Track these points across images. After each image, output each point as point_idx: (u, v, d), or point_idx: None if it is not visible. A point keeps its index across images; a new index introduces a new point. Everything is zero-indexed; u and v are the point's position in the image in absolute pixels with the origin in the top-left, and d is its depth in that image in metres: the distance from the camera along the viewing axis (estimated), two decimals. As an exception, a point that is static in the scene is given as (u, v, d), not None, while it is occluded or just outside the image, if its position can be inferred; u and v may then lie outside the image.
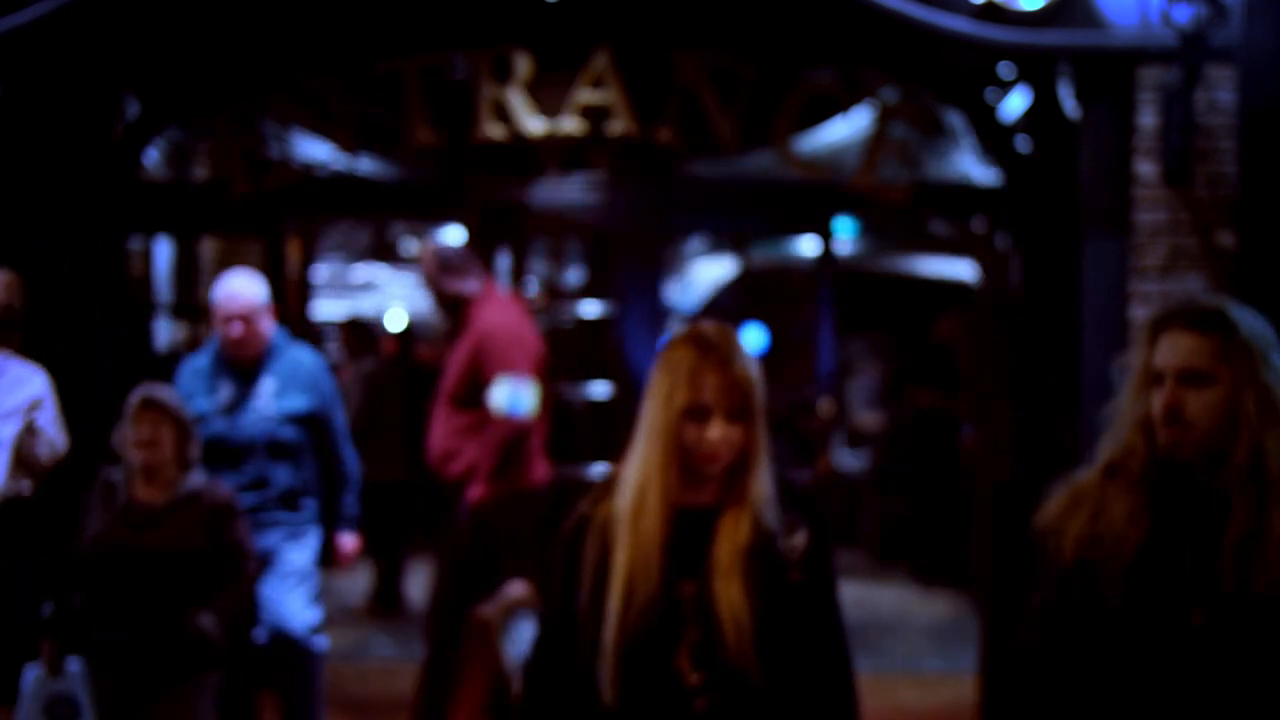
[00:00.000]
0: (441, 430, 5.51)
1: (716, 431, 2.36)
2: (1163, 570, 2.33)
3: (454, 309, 5.61)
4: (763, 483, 2.40)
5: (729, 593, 2.34)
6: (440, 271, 5.59)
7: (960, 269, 9.94)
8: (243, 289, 5.10)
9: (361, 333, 9.18)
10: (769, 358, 11.21)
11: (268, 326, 5.14)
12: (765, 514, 2.40)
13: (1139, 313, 5.13)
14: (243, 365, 5.12)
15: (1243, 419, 2.31)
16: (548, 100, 6.36)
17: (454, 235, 11.47)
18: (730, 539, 2.38)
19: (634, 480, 2.39)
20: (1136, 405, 2.41)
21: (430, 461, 5.58)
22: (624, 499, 2.41)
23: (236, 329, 5.03)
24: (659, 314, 6.93)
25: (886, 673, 6.89)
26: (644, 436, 2.41)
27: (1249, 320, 2.39)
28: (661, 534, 2.37)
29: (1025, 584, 2.59)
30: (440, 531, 5.74)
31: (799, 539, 2.43)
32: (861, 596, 8.23)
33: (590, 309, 7.46)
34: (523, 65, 6.31)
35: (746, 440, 2.40)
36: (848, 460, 10.14)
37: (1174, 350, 2.36)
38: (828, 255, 9.72)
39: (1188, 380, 2.35)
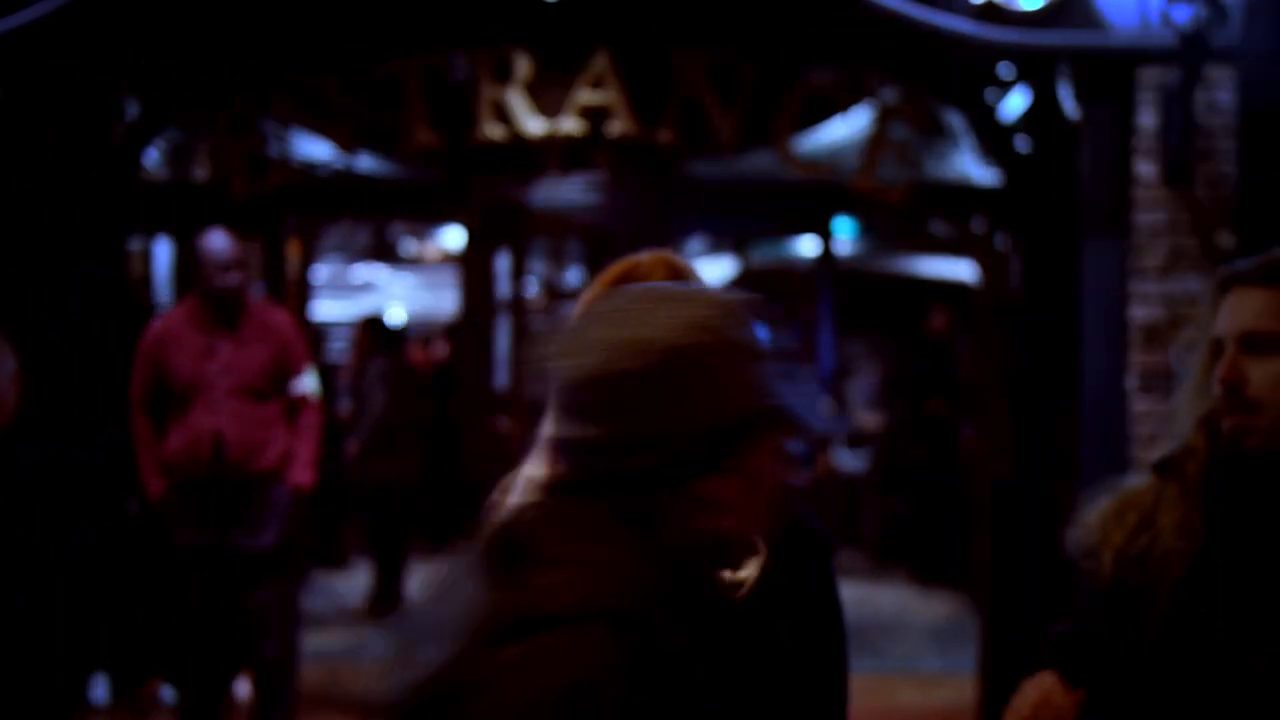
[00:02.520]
0: (239, 424, 5.19)
1: None
2: (1214, 599, 1.82)
3: (235, 300, 5.29)
4: None
5: None
6: (239, 261, 5.33)
7: (960, 269, 9.94)
8: None
9: (378, 332, 9.14)
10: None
11: None
12: None
13: (1139, 313, 5.13)
14: None
15: None
16: (548, 100, 6.36)
17: (454, 236, 11.48)
18: None
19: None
20: (1200, 393, 1.91)
21: (227, 457, 5.16)
22: None
23: None
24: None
25: (886, 673, 6.89)
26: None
27: None
28: None
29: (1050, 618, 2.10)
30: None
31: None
32: (861, 596, 8.22)
33: (590, 309, 7.45)
34: (523, 65, 6.31)
35: None
36: (848, 460, 10.14)
37: (1237, 310, 1.85)
38: (828, 255, 9.72)
39: (1252, 346, 1.83)
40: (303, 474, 5.21)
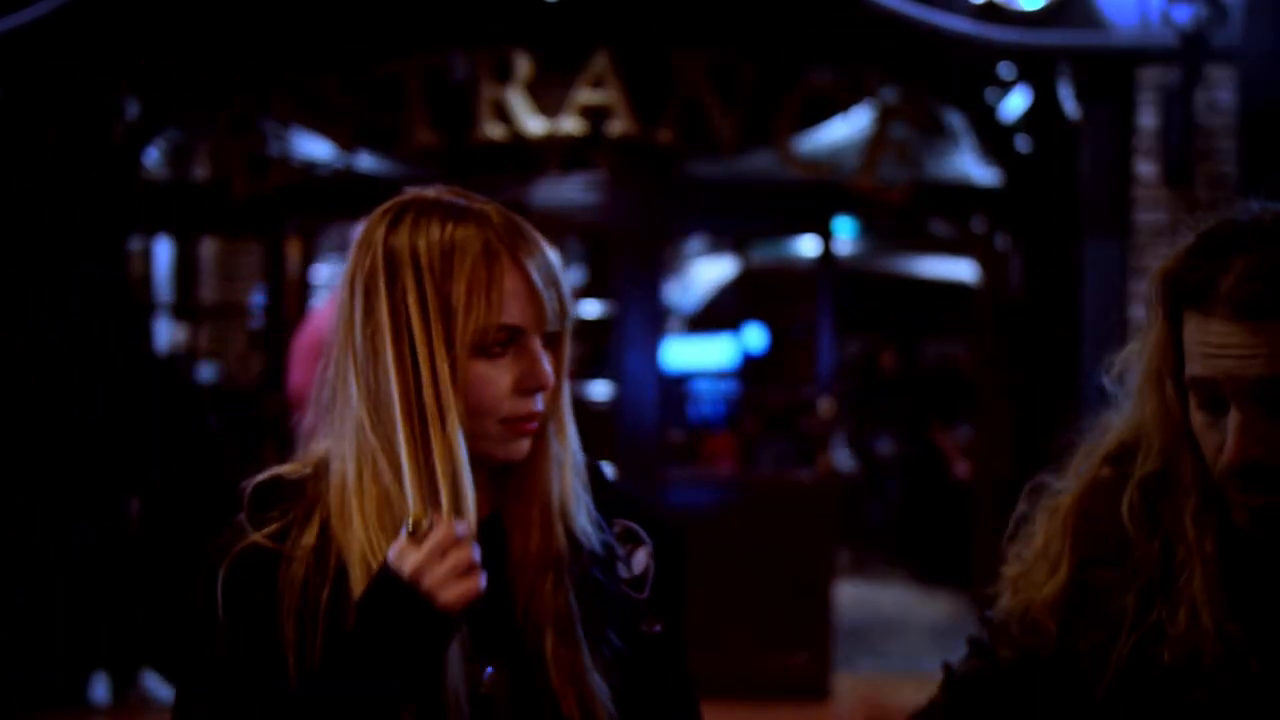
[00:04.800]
0: None
1: (545, 369, 1.35)
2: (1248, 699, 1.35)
3: None
4: (572, 457, 1.40)
5: (578, 679, 1.33)
6: None
7: (960, 269, 9.94)
8: None
9: None
10: (769, 358, 11.22)
11: None
12: (578, 518, 1.39)
13: (1139, 313, 5.13)
14: None
15: None
16: (548, 100, 6.36)
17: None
18: (542, 577, 1.35)
19: (375, 487, 1.31)
20: (1164, 405, 1.42)
21: None
22: (355, 524, 1.30)
23: None
24: (659, 314, 6.93)
25: (886, 673, 6.88)
26: (388, 397, 1.31)
27: None
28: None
29: None
30: None
31: (640, 561, 1.43)
32: (862, 596, 8.23)
33: (590, 309, 7.46)
34: (523, 65, 6.31)
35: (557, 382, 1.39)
36: (847, 460, 10.15)
37: (1237, 354, 1.31)
38: (828, 255, 9.72)
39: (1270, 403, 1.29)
40: None
